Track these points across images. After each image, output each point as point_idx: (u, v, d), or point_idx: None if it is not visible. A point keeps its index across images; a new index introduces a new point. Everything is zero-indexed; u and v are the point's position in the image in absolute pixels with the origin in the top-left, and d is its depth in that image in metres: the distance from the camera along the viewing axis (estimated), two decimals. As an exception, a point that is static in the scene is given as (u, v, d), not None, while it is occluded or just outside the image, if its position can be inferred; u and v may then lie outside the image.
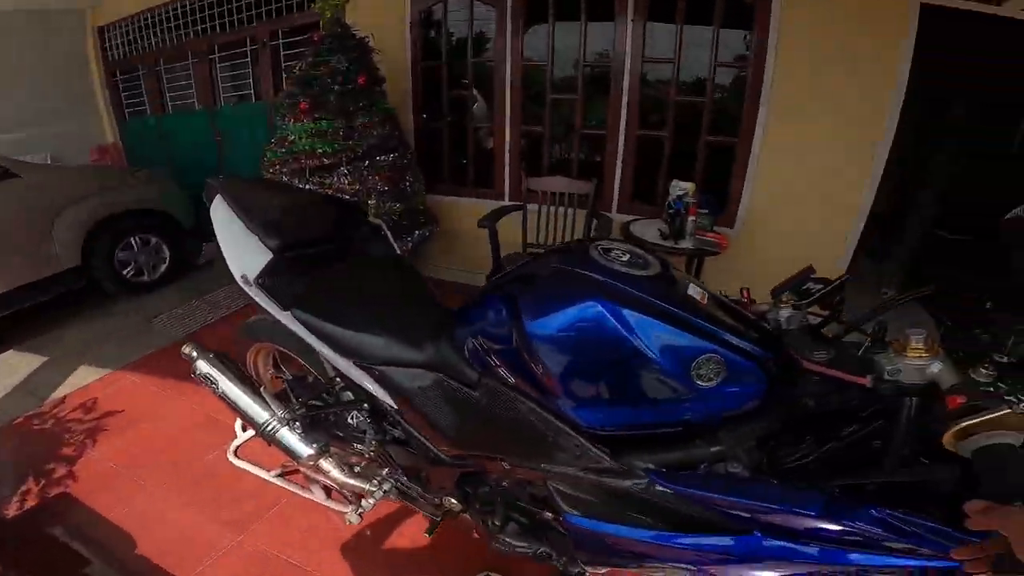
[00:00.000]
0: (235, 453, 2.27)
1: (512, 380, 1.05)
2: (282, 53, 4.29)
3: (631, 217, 3.20)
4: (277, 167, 3.16)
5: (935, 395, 0.73)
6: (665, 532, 0.96)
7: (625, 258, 1.00)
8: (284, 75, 4.13)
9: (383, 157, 3.21)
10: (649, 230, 2.94)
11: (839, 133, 2.88)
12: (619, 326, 0.89)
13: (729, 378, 0.90)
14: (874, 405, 0.90)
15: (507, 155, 3.58)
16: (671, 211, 2.92)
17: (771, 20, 2.80)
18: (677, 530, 0.96)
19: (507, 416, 1.07)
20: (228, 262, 1.45)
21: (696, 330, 0.91)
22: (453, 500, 1.43)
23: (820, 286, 1.04)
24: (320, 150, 3.05)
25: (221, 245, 1.47)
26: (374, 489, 1.52)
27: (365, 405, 1.44)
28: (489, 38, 3.56)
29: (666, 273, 1.01)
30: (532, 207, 3.13)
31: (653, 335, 0.89)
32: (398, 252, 1.69)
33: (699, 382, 0.90)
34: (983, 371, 0.70)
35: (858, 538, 0.80)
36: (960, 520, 0.66)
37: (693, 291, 0.98)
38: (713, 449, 0.94)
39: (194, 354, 1.48)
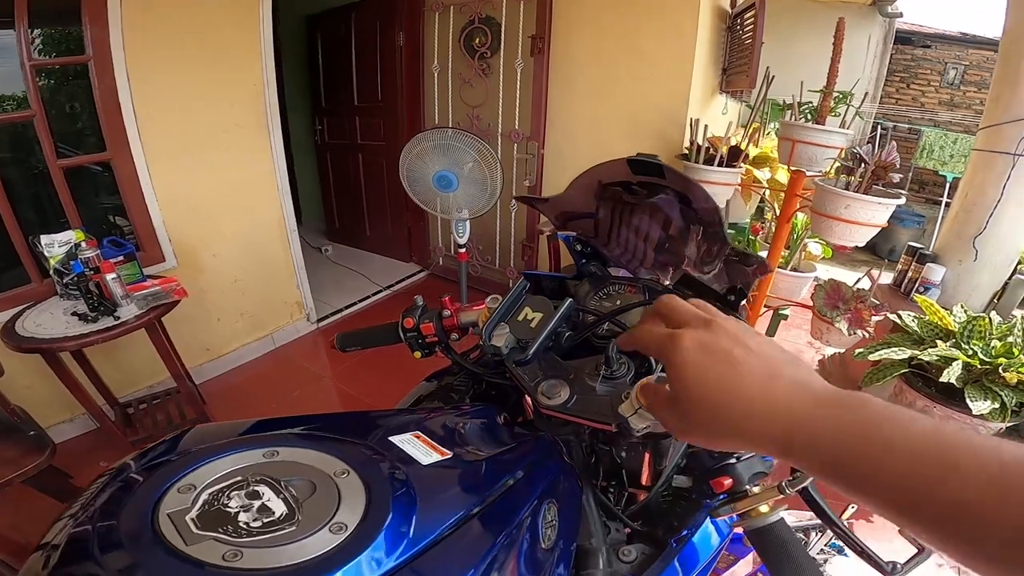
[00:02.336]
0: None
1: None
2: None
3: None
4: None
5: (701, 476, 0.63)
6: None
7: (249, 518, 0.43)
8: None
9: None
10: (53, 319, 1.89)
11: (229, 115, 2.55)
12: None
13: (562, 502, 0.62)
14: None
15: None
16: (68, 280, 1.96)
17: (109, 11, 2.06)
18: None
19: None
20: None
21: (508, 506, 0.53)
22: None
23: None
24: None
25: None
26: None
27: None
28: None
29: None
30: None
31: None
32: None
33: (547, 544, 0.56)
34: None
35: None
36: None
37: (417, 451, 0.55)
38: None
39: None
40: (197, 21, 2.33)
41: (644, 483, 0.79)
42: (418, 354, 0.86)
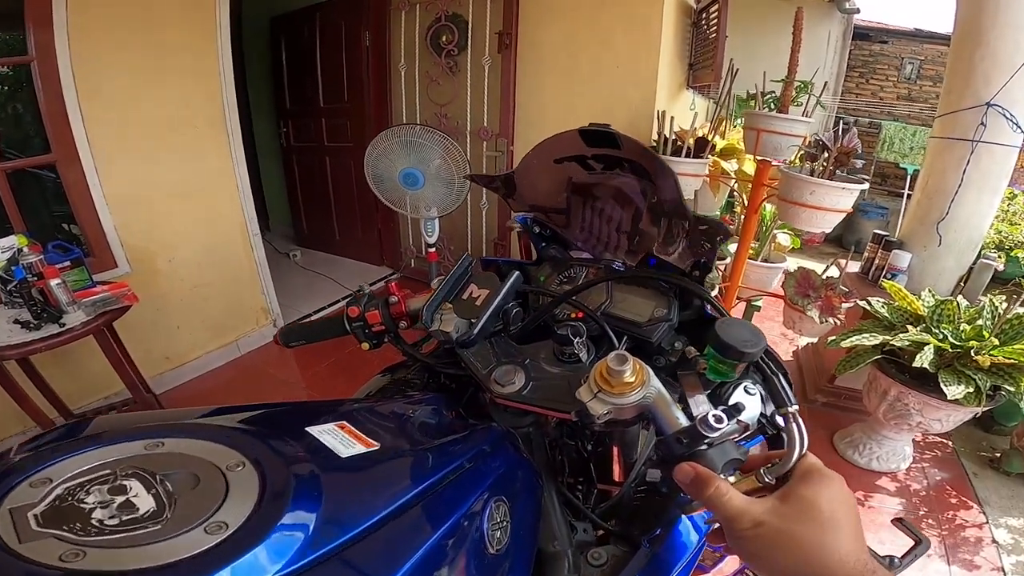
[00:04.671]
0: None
1: None
2: None
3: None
4: None
5: (669, 467, 0.52)
6: None
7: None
8: None
9: None
10: (-8, 330, 1.77)
11: (184, 114, 2.46)
12: None
13: (516, 500, 0.55)
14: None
15: None
16: (11, 287, 1.84)
17: (54, 12, 1.97)
18: None
19: None
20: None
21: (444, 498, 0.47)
22: None
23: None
24: None
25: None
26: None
27: None
28: None
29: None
30: None
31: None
32: None
33: (497, 548, 0.49)
34: (712, 422, 0.47)
35: None
36: None
37: (337, 442, 0.48)
38: None
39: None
40: (149, 20, 2.24)
41: (616, 479, 0.75)
42: (366, 345, 0.79)
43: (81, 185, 2.18)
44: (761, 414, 0.61)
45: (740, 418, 0.50)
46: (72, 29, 2.03)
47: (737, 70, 2.59)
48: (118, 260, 2.33)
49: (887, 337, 1.72)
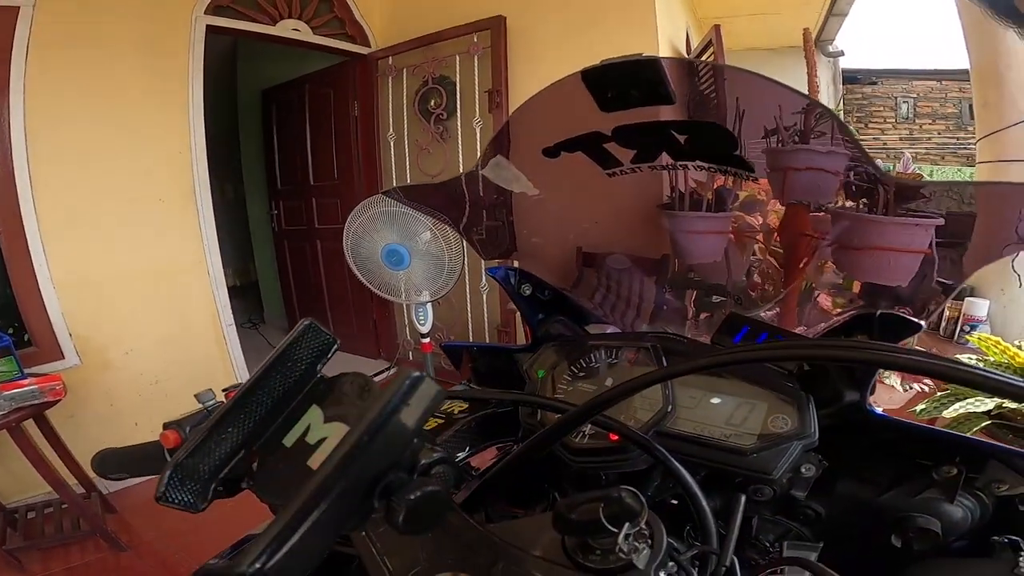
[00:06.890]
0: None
1: None
2: None
3: None
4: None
5: None
6: None
7: None
8: None
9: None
10: None
11: (147, 187, 2.27)
12: None
13: None
14: None
15: None
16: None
17: (11, 76, 1.89)
18: None
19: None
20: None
21: None
22: None
23: None
24: None
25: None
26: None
27: None
28: None
29: None
30: None
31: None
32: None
33: None
34: None
35: None
36: None
37: None
38: None
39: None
40: (116, 83, 2.14)
41: None
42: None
43: (25, 264, 1.97)
44: None
45: None
46: (30, 84, 1.92)
47: (744, 111, 2.40)
48: (65, 351, 2.07)
49: (999, 400, 1.38)
